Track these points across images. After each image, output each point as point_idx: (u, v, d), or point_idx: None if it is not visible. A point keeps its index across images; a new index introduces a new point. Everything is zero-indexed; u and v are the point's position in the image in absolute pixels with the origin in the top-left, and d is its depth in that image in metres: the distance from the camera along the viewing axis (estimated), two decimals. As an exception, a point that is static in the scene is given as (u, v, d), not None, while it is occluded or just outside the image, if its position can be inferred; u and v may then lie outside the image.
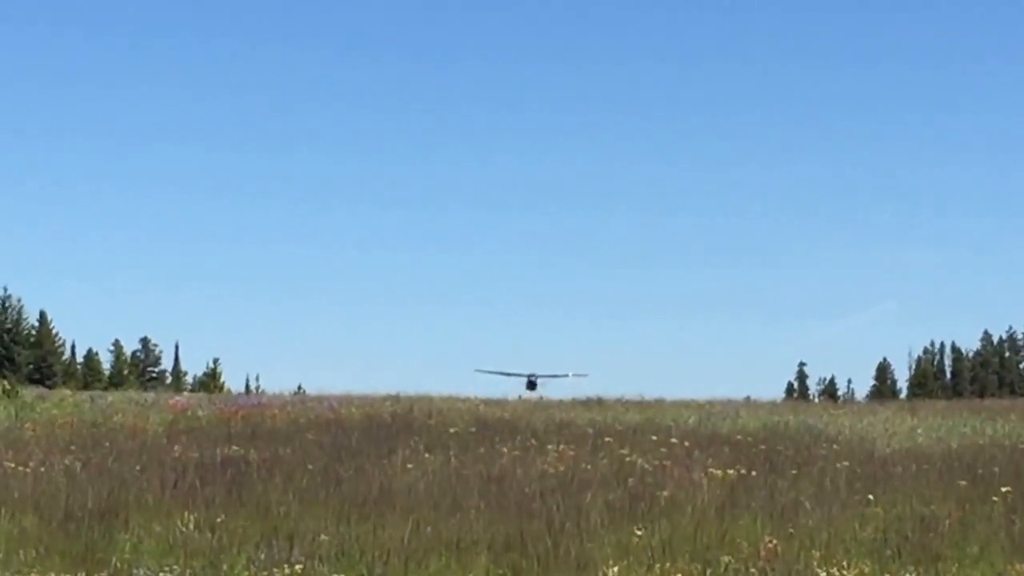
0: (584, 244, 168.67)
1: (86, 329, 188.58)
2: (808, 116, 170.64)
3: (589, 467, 27.86)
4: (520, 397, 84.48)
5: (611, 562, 18.00)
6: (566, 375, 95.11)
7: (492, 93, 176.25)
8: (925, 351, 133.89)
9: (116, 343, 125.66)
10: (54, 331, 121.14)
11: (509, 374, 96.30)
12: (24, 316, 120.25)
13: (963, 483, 24.75)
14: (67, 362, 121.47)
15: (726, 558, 18.03)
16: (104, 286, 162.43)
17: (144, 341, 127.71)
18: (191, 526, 20.17)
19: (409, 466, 27.61)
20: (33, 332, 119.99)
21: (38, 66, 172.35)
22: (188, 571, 17.65)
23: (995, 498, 22.47)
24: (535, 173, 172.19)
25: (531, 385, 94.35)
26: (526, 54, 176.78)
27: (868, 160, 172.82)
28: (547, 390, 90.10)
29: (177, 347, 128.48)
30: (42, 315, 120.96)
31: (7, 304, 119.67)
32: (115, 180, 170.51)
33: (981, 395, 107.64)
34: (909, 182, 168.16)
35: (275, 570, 17.40)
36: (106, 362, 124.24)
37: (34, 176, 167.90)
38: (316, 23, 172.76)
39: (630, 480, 25.60)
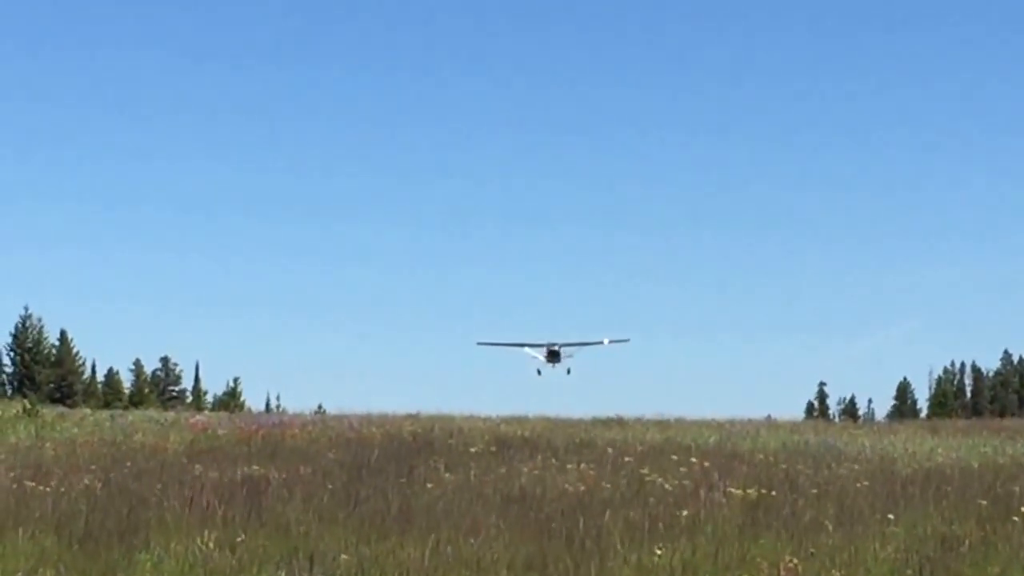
0: (603, 264, 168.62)
1: (107, 348, 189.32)
2: (827, 137, 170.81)
3: (609, 486, 27.82)
4: (539, 373, 77.28)
5: (631, 582, 17.97)
6: (600, 342, 79.31)
7: (506, 110, 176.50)
8: (945, 371, 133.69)
9: (137, 362, 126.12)
10: (75, 350, 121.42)
11: (521, 345, 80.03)
12: (45, 335, 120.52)
13: (983, 503, 24.67)
14: (88, 381, 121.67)
15: (746, 578, 17.99)
16: (125, 306, 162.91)
17: (164, 360, 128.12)
18: (211, 545, 20.17)
19: (429, 485, 27.59)
20: (54, 351, 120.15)
21: (54, 88, 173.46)
22: (208, 590, 17.65)
23: (1015, 518, 22.40)
24: (550, 191, 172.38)
25: (552, 356, 78.55)
26: (562, 73, 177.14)
27: (888, 180, 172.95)
28: (576, 363, 78.99)
29: (197, 366, 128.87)
30: (63, 334, 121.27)
31: (28, 324, 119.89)
32: (135, 201, 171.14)
33: (1001, 414, 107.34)
34: (929, 202, 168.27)
35: (295, 589, 17.39)
36: (127, 381, 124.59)
37: (54, 197, 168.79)
38: (334, 43, 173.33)
39: (650, 499, 25.54)
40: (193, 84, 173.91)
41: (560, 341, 78.94)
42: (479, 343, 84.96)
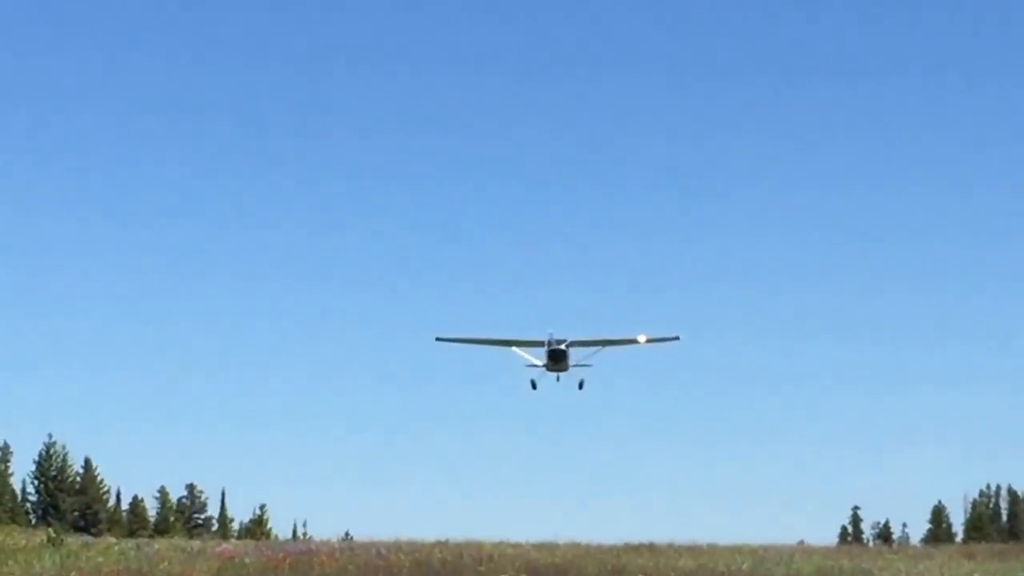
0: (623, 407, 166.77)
1: (131, 476, 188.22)
2: (851, 246, 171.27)
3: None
4: (534, 387, 55.97)
5: None
6: (633, 340, 55.36)
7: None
8: (981, 493, 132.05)
9: (162, 490, 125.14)
10: (99, 478, 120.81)
11: (507, 343, 55.92)
12: (69, 463, 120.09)
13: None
14: (112, 509, 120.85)
15: None
16: (150, 433, 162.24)
17: (190, 488, 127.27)
18: None
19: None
20: (78, 479, 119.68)
21: (67, 203, 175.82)
22: None
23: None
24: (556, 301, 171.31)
25: (556, 357, 54.22)
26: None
27: (919, 296, 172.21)
28: (592, 373, 55.58)
29: (223, 493, 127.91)
30: (87, 462, 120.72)
31: (52, 451, 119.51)
32: (158, 324, 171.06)
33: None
34: (961, 320, 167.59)
35: None
36: (152, 509, 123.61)
37: (78, 321, 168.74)
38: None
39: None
40: (209, 194, 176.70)
41: (569, 337, 54.84)
42: (438, 338, 58.14)
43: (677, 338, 56.58)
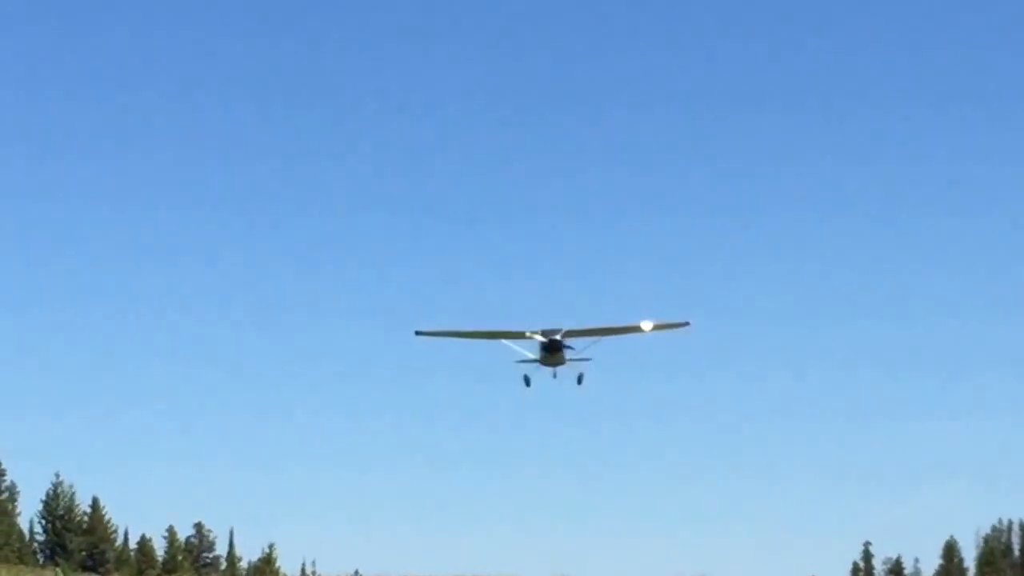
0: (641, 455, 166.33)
1: (139, 515, 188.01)
2: (863, 278, 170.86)
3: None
4: (528, 383, 51.07)
5: None
6: (637, 327, 50.88)
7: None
8: (993, 528, 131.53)
9: (170, 529, 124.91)
10: (107, 517, 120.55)
11: (493, 335, 50.45)
12: (76, 503, 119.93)
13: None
14: (120, 548, 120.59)
15: None
16: (157, 471, 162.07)
17: (198, 527, 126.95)
18: None
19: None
20: (86, 518, 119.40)
21: (75, 242, 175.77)
22: None
23: None
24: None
25: (551, 349, 49.84)
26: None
27: (931, 330, 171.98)
28: (592, 368, 50.72)
29: (232, 532, 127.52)
30: (95, 501, 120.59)
31: (59, 491, 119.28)
32: (165, 364, 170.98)
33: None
34: (973, 354, 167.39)
35: None
36: (160, 548, 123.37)
37: (85, 361, 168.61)
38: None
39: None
40: (218, 233, 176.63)
41: (566, 326, 50.05)
42: (418, 332, 53.54)
43: (687, 324, 51.69)
